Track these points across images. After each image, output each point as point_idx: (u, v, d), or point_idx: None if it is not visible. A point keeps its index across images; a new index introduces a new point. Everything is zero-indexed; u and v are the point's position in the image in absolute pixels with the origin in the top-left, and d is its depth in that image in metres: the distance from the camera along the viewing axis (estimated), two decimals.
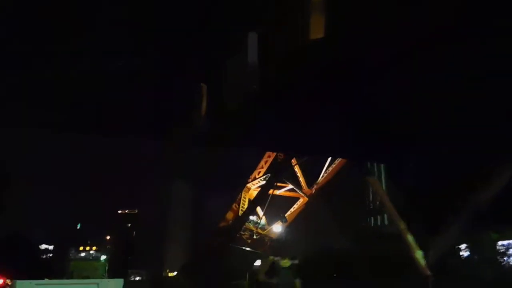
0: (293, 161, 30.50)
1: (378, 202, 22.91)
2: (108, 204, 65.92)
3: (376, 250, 18.02)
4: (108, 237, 57.81)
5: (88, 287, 15.14)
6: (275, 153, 31.39)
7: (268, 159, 31.99)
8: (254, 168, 32.62)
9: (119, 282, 16.36)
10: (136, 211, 70.92)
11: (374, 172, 22.32)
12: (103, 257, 31.68)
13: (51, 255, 70.42)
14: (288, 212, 31.59)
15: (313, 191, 31.34)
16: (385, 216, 22.25)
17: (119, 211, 73.23)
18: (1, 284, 15.00)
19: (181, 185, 62.02)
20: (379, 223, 21.99)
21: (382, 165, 24.16)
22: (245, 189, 32.11)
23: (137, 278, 41.51)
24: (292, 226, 32.36)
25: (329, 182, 31.07)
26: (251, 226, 31.68)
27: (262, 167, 32.01)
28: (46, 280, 20.64)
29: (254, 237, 31.55)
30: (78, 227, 60.71)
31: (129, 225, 72.20)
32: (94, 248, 31.49)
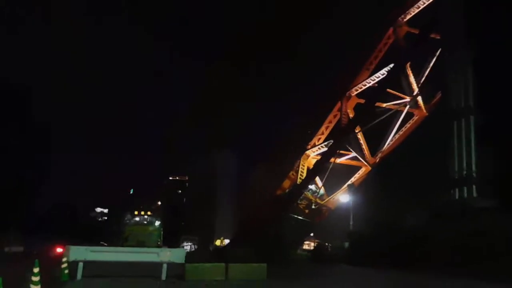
0: (357, 127, 27.95)
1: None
2: (159, 170, 66.67)
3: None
4: (159, 203, 57.95)
5: (147, 255, 13.84)
6: (337, 118, 29.00)
7: (329, 124, 29.61)
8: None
9: (181, 252, 15.00)
10: (187, 177, 71.19)
11: None
12: (157, 223, 31.01)
13: (106, 218, 72.65)
14: (349, 182, 29.29)
15: (377, 160, 28.82)
16: (474, 187, 19.45)
17: (170, 177, 73.87)
18: (61, 252, 14.40)
19: (230, 153, 61.11)
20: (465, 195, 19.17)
21: None
22: (303, 156, 30.08)
23: (189, 246, 41.35)
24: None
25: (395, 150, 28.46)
26: (309, 195, 29.74)
27: (323, 133, 29.72)
28: (100, 247, 19.95)
29: (313, 207, 29.66)
30: (131, 192, 61.59)
31: (179, 191, 72.68)
32: (149, 212, 31.02)
